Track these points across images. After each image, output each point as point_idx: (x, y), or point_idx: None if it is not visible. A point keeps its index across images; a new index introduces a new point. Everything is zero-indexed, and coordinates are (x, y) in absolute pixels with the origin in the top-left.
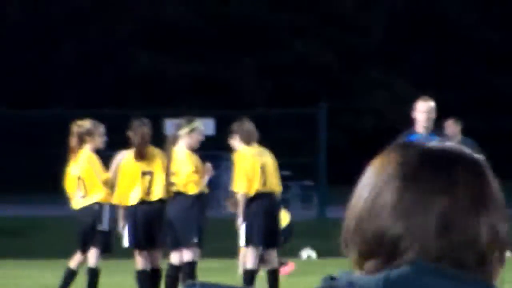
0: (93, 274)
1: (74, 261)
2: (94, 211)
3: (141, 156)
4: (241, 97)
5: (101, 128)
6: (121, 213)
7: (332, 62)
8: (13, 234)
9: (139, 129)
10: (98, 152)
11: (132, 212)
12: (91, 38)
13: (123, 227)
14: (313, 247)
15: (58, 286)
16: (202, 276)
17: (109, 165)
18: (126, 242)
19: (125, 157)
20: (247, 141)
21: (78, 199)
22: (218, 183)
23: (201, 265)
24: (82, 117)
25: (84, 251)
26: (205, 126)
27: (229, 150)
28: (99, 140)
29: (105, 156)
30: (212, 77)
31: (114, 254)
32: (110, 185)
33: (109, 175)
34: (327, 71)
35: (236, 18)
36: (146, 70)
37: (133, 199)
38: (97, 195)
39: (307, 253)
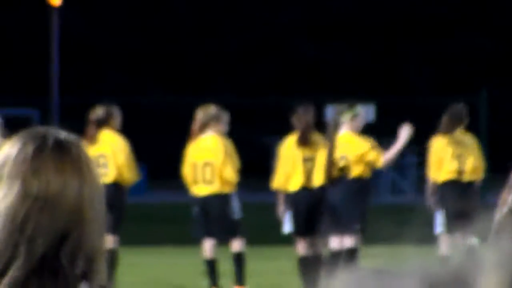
0: (242, 259)
1: (208, 251)
2: (224, 199)
3: (304, 142)
4: (402, 84)
5: (226, 116)
6: (280, 199)
7: (495, 50)
8: (170, 221)
9: (303, 115)
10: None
11: (293, 199)
12: (251, 25)
13: (283, 213)
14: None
15: (208, 286)
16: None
17: (270, 151)
18: (286, 228)
19: (286, 143)
20: (452, 126)
21: (203, 185)
22: (380, 170)
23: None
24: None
25: (212, 237)
26: (366, 112)
27: (390, 136)
28: (224, 127)
29: (266, 142)
30: (372, 64)
31: (272, 240)
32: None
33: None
34: (489, 59)
35: (397, 6)
36: (306, 57)
37: (294, 185)
38: (226, 182)
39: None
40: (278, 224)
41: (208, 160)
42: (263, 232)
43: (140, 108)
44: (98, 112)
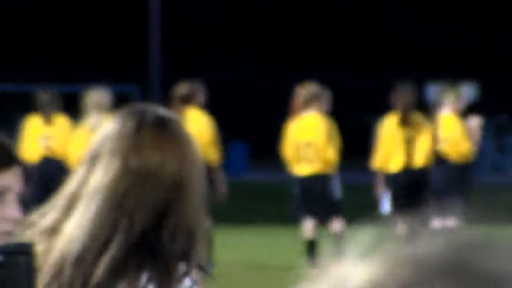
0: (342, 239)
1: (308, 231)
2: (324, 179)
3: (405, 122)
4: (502, 63)
5: (328, 94)
6: (380, 179)
7: None
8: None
9: (403, 94)
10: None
11: (393, 179)
12: (354, 1)
13: (381, 194)
14: None
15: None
16: None
17: (369, 130)
18: (384, 209)
19: (387, 122)
20: None
21: (304, 165)
22: (481, 150)
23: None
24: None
25: (312, 217)
26: (467, 92)
27: (492, 116)
28: (325, 106)
29: (365, 121)
30: (472, 44)
31: (371, 220)
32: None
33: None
34: None
35: None
36: (408, 35)
37: (395, 166)
38: (328, 162)
39: None
40: (376, 204)
41: (310, 140)
42: (362, 212)
43: (241, 85)
44: (182, 89)
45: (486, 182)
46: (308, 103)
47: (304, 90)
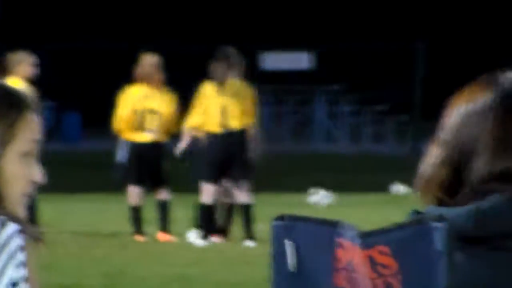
0: (167, 207)
1: (135, 198)
2: (160, 147)
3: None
4: (339, 32)
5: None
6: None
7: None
8: None
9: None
10: None
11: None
12: None
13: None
14: (405, 182)
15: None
16: None
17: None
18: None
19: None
20: None
21: (141, 133)
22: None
23: None
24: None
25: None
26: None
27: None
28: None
29: None
30: (307, 12)
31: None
32: None
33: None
34: (427, 6)
35: None
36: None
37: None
38: (167, 131)
39: (396, 187)
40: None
41: (154, 108)
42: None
43: (77, 56)
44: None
45: (318, 150)
46: (150, 73)
47: (147, 60)
